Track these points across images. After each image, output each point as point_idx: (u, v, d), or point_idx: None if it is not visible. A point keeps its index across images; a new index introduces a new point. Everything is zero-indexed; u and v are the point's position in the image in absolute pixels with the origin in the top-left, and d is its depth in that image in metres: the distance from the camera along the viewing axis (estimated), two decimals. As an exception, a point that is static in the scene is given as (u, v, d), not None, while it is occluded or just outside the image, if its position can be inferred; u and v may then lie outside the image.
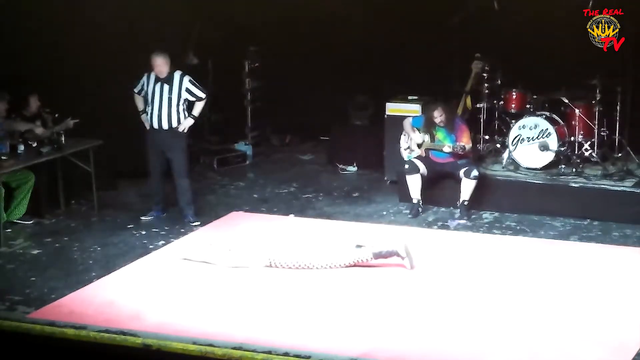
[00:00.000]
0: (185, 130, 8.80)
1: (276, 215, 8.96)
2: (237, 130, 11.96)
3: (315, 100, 11.67)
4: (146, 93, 8.80)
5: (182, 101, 8.74)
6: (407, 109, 10.02)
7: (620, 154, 9.73)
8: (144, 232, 8.61)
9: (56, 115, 9.16)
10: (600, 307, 6.66)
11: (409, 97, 10.24)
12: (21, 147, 8.67)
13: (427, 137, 9.13)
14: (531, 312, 6.57)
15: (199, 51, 11.54)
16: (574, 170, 9.36)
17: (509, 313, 6.57)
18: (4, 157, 8.42)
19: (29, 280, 7.41)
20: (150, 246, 8.22)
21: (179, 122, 8.74)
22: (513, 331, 6.25)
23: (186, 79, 8.77)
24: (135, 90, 8.91)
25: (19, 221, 8.84)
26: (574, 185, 9.14)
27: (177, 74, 8.77)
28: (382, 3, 10.98)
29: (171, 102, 8.70)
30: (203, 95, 8.82)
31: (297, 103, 11.79)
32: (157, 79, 8.73)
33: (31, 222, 8.90)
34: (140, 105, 8.92)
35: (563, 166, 9.43)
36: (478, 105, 10.12)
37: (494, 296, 6.89)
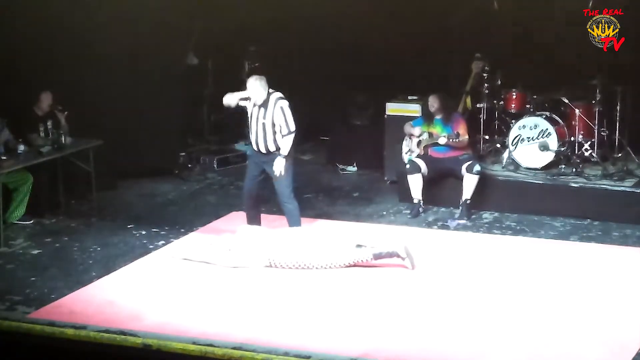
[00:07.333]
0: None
1: (276, 215, 8.95)
2: (237, 130, 11.95)
3: (315, 100, 11.65)
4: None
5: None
6: (407, 109, 10.03)
7: (620, 154, 9.72)
8: (144, 232, 8.60)
9: (66, 112, 9.13)
10: (600, 307, 6.66)
11: (409, 97, 10.23)
12: (21, 147, 8.66)
13: (425, 135, 9.14)
14: (531, 312, 6.57)
15: (199, 51, 11.53)
16: (574, 170, 9.35)
17: (509, 313, 6.57)
18: (4, 157, 8.41)
19: (29, 280, 7.40)
20: (150, 246, 8.22)
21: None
22: (513, 331, 6.26)
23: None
24: None
25: (19, 221, 8.84)
26: (574, 185, 9.14)
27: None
28: (383, 3, 10.97)
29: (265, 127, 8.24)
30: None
31: (297, 103, 11.75)
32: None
33: (31, 222, 8.90)
34: None
35: (563, 166, 9.42)
36: (478, 105, 10.10)
37: (494, 296, 6.89)
